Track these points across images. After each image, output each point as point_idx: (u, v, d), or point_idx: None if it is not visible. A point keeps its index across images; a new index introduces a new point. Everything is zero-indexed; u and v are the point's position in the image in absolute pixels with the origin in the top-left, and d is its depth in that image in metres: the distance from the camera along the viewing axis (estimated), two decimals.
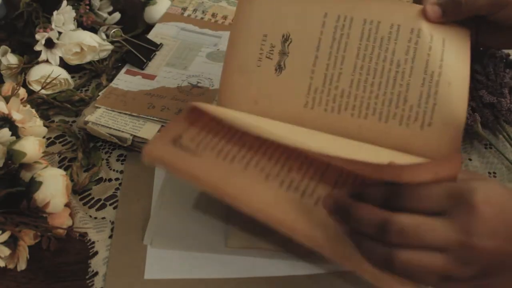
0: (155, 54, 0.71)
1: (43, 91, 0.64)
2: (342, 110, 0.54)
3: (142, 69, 0.69)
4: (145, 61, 0.70)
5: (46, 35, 0.67)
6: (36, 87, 0.66)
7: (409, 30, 0.54)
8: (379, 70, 0.53)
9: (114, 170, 0.61)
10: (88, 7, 0.74)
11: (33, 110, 0.57)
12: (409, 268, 0.39)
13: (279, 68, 0.56)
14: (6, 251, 0.50)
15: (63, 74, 0.68)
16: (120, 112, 0.63)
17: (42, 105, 0.67)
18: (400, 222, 0.39)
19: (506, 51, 0.64)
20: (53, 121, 0.67)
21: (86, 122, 0.62)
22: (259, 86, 0.56)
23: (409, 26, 0.54)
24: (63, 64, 0.69)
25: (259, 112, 0.56)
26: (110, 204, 0.57)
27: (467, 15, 0.54)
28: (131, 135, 0.60)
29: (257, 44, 0.57)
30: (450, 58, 0.53)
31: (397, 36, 0.54)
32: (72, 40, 0.68)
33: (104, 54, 0.71)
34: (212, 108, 0.48)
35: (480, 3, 0.53)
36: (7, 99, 0.56)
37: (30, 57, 0.69)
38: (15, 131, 0.55)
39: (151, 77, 0.68)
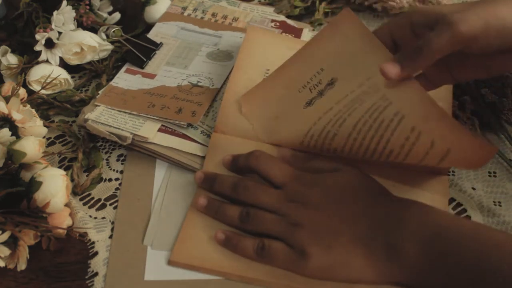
0: (155, 53, 0.71)
1: (43, 91, 0.64)
2: (331, 154, 0.55)
3: (142, 68, 0.69)
4: (145, 60, 0.70)
5: (46, 35, 0.67)
6: (36, 87, 0.66)
7: (410, 128, 0.48)
8: (371, 149, 0.51)
9: (114, 170, 0.61)
10: (88, 7, 0.74)
11: (33, 110, 0.57)
12: (258, 215, 0.51)
13: (309, 103, 0.56)
14: (6, 251, 0.50)
15: (63, 74, 0.68)
16: (120, 111, 0.63)
17: (42, 105, 0.67)
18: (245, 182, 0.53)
19: None
20: (53, 121, 0.67)
21: (86, 120, 0.61)
22: (287, 107, 0.58)
23: (411, 123, 0.48)
24: (63, 64, 0.69)
25: (273, 127, 0.58)
26: (110, 204, 0.57)
27: (428, 62, 0.48)
28: (131, 133, 0.60)
29: (312, 72, 0.56)
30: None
31: (397, 126, 0.49)
32: (72, 40, 0.68)
33: (104, 54, 0.71)
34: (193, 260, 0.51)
35: (439, 44, 0.47)
36: (7, 99, 0.56)
37: (30, 57, 0.69)
38: (15, 131, 0.55)
39: (151, 76, 0.68)
